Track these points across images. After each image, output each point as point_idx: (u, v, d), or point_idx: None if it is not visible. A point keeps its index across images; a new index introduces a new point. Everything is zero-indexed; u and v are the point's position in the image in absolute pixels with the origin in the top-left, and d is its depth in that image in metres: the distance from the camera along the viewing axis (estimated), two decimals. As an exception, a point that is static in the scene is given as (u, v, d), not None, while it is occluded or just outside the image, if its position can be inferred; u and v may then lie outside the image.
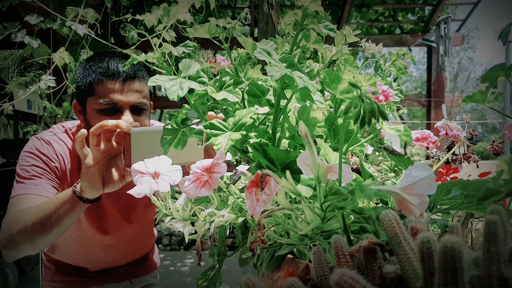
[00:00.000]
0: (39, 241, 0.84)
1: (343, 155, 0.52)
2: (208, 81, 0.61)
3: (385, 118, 0.38)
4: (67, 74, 2.04)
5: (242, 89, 0.64)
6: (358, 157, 0.69)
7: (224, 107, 0.72)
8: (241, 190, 0.56)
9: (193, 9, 1.42)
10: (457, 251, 0.24)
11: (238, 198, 0.55)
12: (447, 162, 0.74)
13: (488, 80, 0.63)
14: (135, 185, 0.56)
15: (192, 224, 0.60)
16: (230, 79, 0.64)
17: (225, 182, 0.58)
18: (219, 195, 0.59)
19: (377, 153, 0.89)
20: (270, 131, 0.62)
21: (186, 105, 0.67)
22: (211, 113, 0.72)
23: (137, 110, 0.99)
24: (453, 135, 0.73)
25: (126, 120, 0.95)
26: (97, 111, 0.97)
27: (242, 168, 0.60)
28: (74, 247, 1.14)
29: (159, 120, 6.73)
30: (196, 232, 0.58)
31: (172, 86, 0.57)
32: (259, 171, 0.43)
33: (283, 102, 0.62)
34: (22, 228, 0.84)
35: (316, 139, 0.56)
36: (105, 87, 0.96)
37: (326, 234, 0.46)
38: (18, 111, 3.81)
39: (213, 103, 0.69)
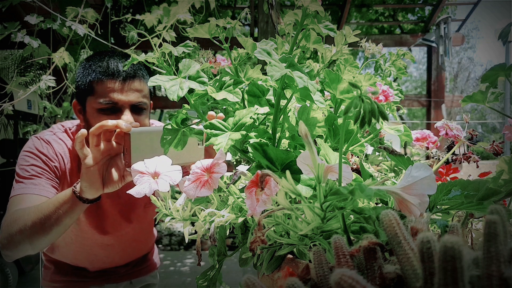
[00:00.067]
0: (39, 241, 0.84)
1: (343, 155, 0.52)
2: (208, 81, 0.61)
3: (385, 118, 0.38)
4: (67, 74, 2.03)
5: (242, 89, 0.64)
6: (358, 157, 0.69)
7: (224, 107, 0.72)
8: (241, 190, 0.56)
9: (193, 9, 1.41)
10: (457, 251, 0.24)
11: (238, 198, 0.55)
12: (447, 162, 0.74)
13: (488, 80, 0.63)
14: (135, 185, 0.56)
15: (192, 224, 0.60)
16: (230, 79, 0.64)
17: (225, 182, 0.58)
18: (219, 195, 0.59)
19: (377, 153, 0.89)
20: (270, 131, 0.62)
21: (186, 105, 0.66)
22: (211, 113, 0.72)
23: (137, 110, 0.99)
24: (453, 135, 0.73)
25: (126, 119, 0.95)
26: (97, 110, 0.97)
27: (242, 168, 0.60)
28: (73, 247, 1.14)
29: (159, 120, 6.73)
30: (196, 232, 0.58)
31: (172, 86, 0.57)
32: (259, 171, 0.43)
33: (283, 102, 0.62)
34: (21, 228, 0.84)
35: (316, 139, 0.56)
36: (105, 86, 0.96)
37: (326, 234, 0.46)
38: (18, 111, 3.81)
39: (213, 103, 0.69)
